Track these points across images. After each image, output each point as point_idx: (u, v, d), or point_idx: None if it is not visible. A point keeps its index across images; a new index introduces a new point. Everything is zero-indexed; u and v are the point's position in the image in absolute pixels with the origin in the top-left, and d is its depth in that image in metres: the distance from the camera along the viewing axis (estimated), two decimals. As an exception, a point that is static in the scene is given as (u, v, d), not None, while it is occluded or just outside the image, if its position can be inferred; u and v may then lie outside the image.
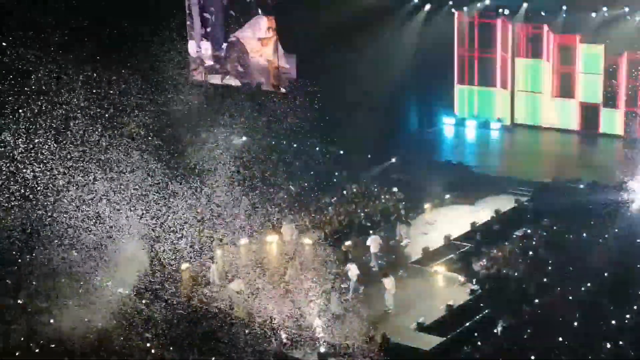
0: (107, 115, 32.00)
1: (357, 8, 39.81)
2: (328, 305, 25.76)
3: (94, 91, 32.37)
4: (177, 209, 29.49)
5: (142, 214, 28.71)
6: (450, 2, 41.74)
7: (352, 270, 27.62)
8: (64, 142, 29.40)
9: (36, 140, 28.84)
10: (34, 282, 26.69)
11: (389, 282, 26.56)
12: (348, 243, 30.74)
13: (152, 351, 23.49)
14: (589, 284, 25.81)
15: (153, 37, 37.44)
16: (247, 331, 24.74)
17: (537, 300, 25.36)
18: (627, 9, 38.57)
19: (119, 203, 28.77)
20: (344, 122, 39.54)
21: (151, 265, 27.95)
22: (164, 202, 29.57)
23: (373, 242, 29.88)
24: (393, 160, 38.39)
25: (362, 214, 32.96)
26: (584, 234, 29.35)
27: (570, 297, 25.27)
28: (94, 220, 28.14)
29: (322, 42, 40.24)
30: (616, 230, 29.01)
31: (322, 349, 23.94)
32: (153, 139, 32.54)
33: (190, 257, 28.60)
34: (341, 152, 39.48)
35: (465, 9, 42.28)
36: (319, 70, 41.05)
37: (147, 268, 27.72)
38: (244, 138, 38.93)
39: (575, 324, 23.78)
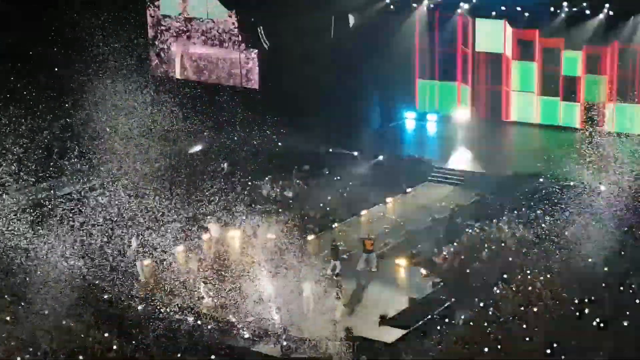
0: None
1: (319, 4, 40.01)
2: (293, 300, 25.81)
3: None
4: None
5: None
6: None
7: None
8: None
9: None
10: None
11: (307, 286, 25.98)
12: (311, 237, 30.85)
13: (114, 348, 23.34)
14: (549, 275, 26.06)
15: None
16: (210, 327, 24.70)
17: (497, 291, 25.57)
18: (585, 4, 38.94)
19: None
20: (307, 118, 39.53)
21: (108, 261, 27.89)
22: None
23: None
24: (355, 153, 38.52)
25: (327, 208, 33.06)
26: (544, 226, 29.62)
27: (530, 289, 25.52)
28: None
29: (283, 37, 40.27)
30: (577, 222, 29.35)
31: (286, 343, 23.96)
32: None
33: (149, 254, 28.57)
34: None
35: (425, 2, 42.35)
36: (280, 66, 41.08)
37: (106, 264, 27.67)
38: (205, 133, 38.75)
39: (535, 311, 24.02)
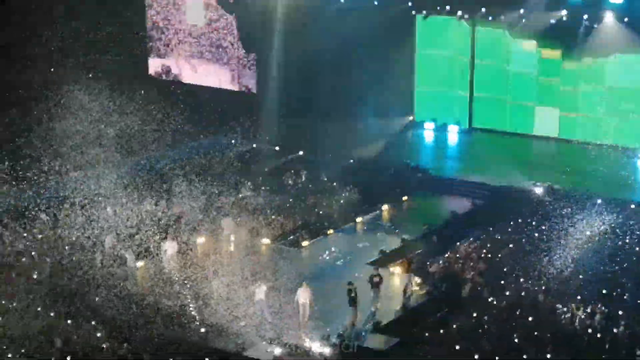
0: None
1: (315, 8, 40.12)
2: (286, 306, 25.72)
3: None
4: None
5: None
6: (410, 4, 41.67)
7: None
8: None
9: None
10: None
11: (303, 293, 25.45)
12: (305, 243, 30.78)
13: (104, 346, 23.24)
14: (543, 287, 26.05)
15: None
16: (202, 330, 24.57)
17: (491, 300, 25.53)
18: (586, 16, 38.72)
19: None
20: (303, 125, 39.53)
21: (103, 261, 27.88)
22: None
23: None
24: (351, 161, 38.33)
25: (320, 213, 32.97)
26: (537, 236, 29.66)
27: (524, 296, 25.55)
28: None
29: (280, 42, 40.50)
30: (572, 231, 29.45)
31: (279, 350, 23.85)
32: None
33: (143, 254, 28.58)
34: (300, 152, 39.45)
35: (424, 12, 42.21)
36: (278, 71, 41.30)
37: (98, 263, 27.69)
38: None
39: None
